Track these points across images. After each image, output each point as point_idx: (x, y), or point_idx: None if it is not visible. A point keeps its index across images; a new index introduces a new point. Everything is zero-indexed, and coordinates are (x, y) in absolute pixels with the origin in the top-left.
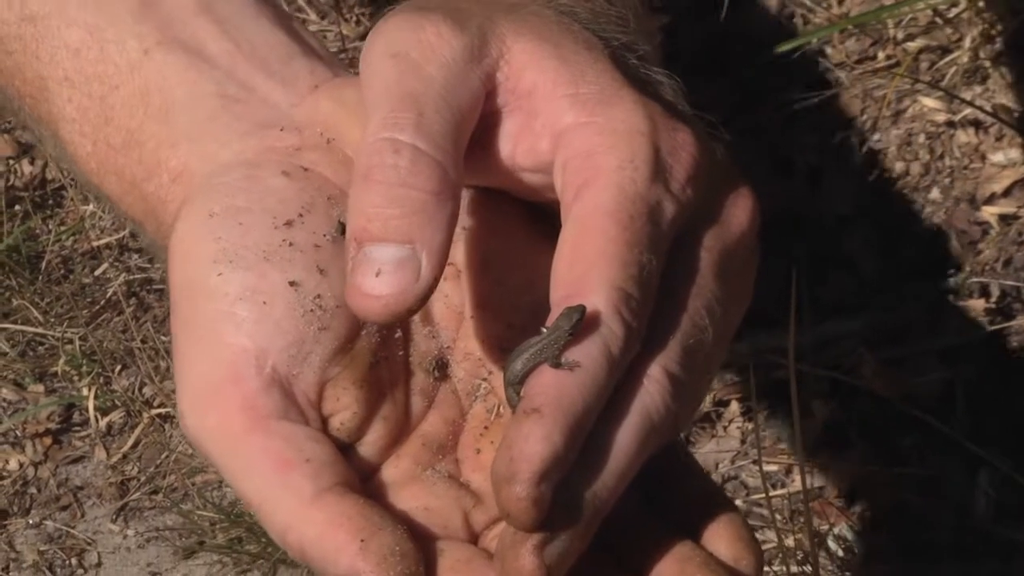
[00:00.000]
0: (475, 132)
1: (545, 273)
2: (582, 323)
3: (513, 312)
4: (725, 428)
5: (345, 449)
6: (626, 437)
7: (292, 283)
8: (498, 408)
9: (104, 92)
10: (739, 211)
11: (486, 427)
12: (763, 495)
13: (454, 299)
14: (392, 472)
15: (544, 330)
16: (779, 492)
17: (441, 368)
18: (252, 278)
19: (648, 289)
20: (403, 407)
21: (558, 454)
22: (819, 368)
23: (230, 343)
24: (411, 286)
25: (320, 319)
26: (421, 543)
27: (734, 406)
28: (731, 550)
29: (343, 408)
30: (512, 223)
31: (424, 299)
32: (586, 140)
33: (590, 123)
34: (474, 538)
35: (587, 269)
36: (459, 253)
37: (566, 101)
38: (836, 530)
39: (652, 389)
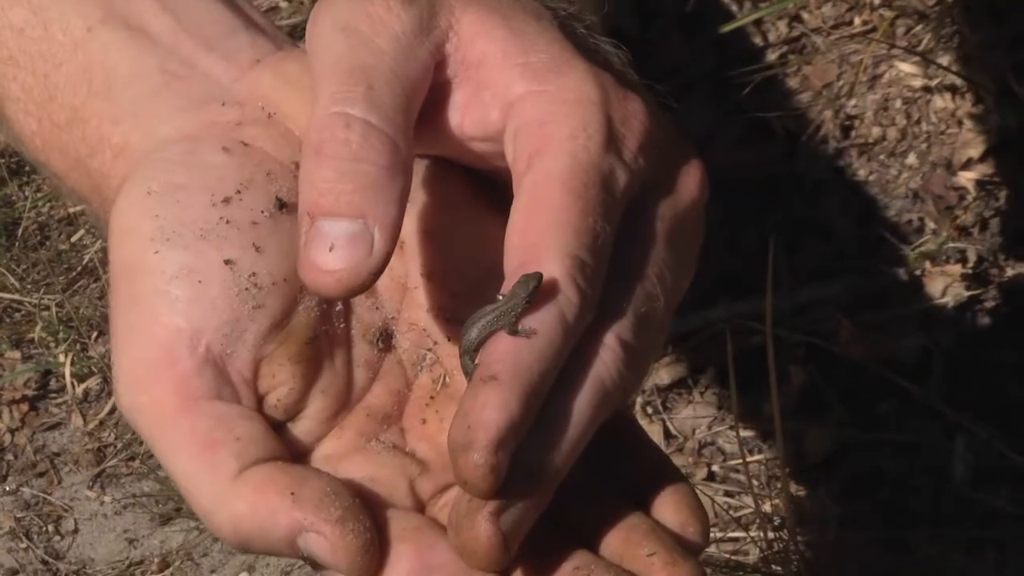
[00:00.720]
0: (424, 103)
1: (490, 243)
2: (539, 290)
3: (458, 281)
4: (701, 394)
5: (283, 425)
6: (581, 404)
7: (228, 261)
8: (444, 378)
9: (48, 70)
10: (689, 180)
11: (432, 397)
12: (740, 461)
13: (397, 270)
14: (334, 444)
15: (500, 297)
16: (756, 458)
17: (385, 339)
18: (188, 256)
19: (602, 257)
20: (345, 380)
21: (515, 421)
22: (796, 333)
23: (165, 323)
24: (364, 261)
25: (255, 297)
26: (366, 511)
27: (711, 372)
28: (677, 517)
29: (279, 384)
30: (455, 193)
31: (377, 274)
32: (537, 109)
33: (541, 92)
34: (421, 507)
35: (541, 237)
36: (403, 225)
37: (516, 70)
38: (813, 495)
39: (606, 357)
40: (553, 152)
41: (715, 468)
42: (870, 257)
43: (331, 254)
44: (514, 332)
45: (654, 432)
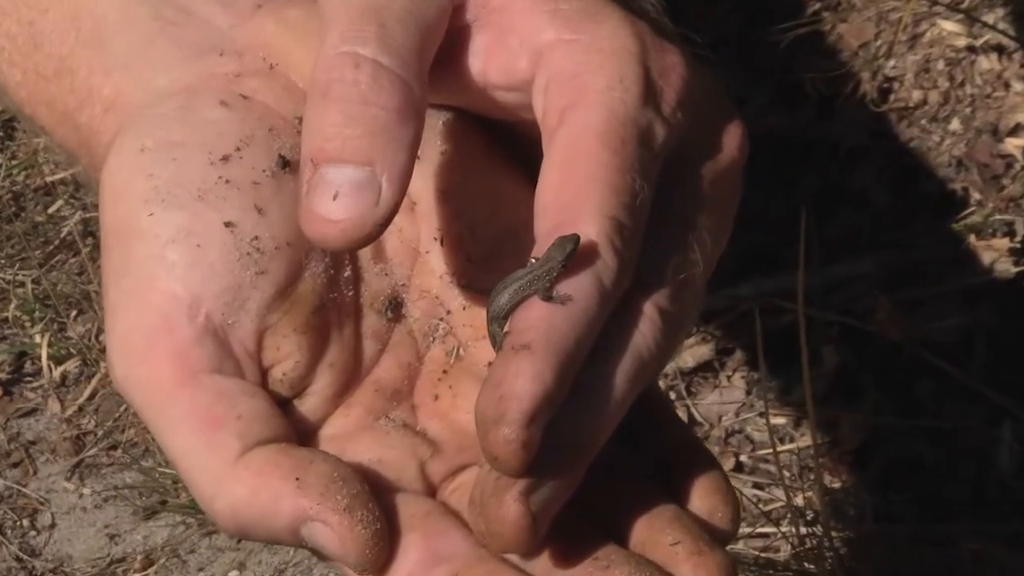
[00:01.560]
0: (442, 48)
1: (508, 203)
2: (575, 254)
3: (473, 245)
4: (729, 378)
5: (288, 402)
6: (617, 376)
7: (228, 224)
8: (457, 350)
9: (33, 17)
10: (729, 139)
11: (444, 371)
12: (770, 450)
13: (408, 233)
14: (342, 423)
15: (532, 260)
16: (787, 447)
17: (395, 308)
18: (185, 218)
19: (640, 218)
20: (353, 352)
21: (549, 393)
22: (829, 312)
23: (161, 289)
24: (371, 211)
25: (258, 262)
26: (375, 498)
27: (738, 355)
28: (706, 503)
29: (285, 357)
30: (471, 149)
31: (384, 225)
32: (570, 59)
33: (574, 41)
34: (431, 490)
35: (576, 196)
36: (414, 183)
37: (545, 16)
38: (847, 487)
39: (644, 327)
40: (588, 105)
41: (743, 458)
42: (909, 230)
43: (335, 203)
44: (548, 298)
45: None
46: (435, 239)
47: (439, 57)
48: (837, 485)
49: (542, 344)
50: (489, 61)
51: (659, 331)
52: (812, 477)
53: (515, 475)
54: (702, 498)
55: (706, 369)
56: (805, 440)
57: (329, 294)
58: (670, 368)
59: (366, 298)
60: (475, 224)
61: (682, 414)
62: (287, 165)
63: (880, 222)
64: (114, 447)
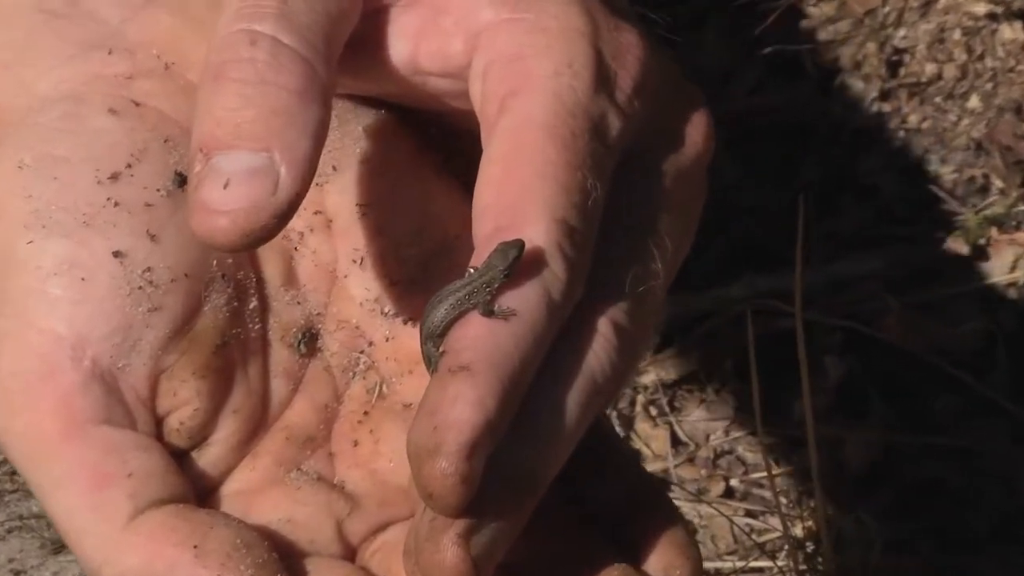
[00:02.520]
0: (363, 29)
1: (438, 214)
2: (519, 262)
3: (399, 266)
4: (717, 392)
5: (186, 454)
6: (568, 402)
7: (117, 253)
8: (380, 387)
9: None
10: (693, 129)
11: (365, 412)
12: (764, 473)
13: (324, 255)
14: (247, 476)
15: (471, 271)
16: (784, 469)
17: (309, 342)
18: (69, 247)
19: (593, 221)
20: (261, 394)
21: (491, 421)
22: (832, 316)
23: (42, 328)
24: (267, 199)
25: (151, 297)
26: (285, 564)
27: (728, 364)
28: (663, 558)
29: (182, 404)
30: (396, 158)
31: (283, 218)
32: (512, 40)
33: (517, 20)
34: (350, 553)
35: (521, 196)
36: (330, 197)
37: None
38: (853, 514)
39: (597, 346)
40: (533, 92)
41: (734, 482)
42: (922, 223)
43: (225, 191)
44: (489, 313)
45: (659, 438)
46: (355, 261)
47: (360, 40)
48: (841, 512)
49: (483, 365)
50: (419, 44)
51: (614, 350)
52: (812, 504)
53: (453, 514)
54: (658, 555)
55: (691, 381)
56: (804, 461)
57: (232, 329)
58: (649, 379)
59: (275, 331)
60: (401, 242)
61: (664, 433)
62: (184, 183)
63: (889, 214)
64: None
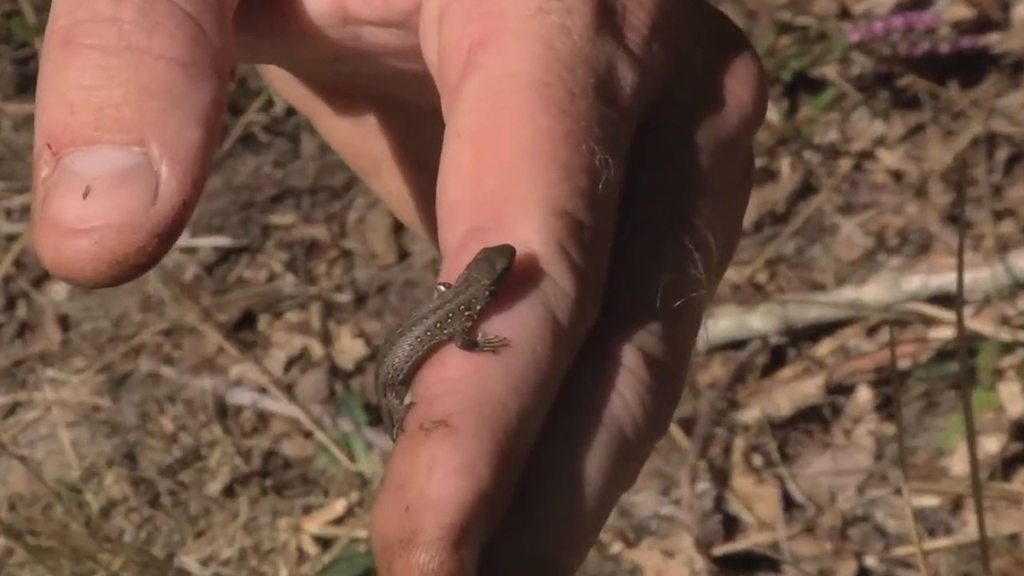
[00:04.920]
0: None
1: None
2: (509, 274)
3: None
4: (847, 433)
5: None
6: (587, 466)
7: None
8: None
9: None
10: (736, 84)
11: None
12: (912, 548)
13: None
14: None
15: (441, 289)
16: (940, 543)
17: None
18: None
19: (605, 212)
20: None
21: (485, 494)
22: (1010, 328)
23: None
24: (142, 211)
25: None
26: None
27: (863, 394)
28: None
29: None
30: None
31: (166, 236)
32: None
33: None
34: None
35: (505, 184)
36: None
37: None
38: None
39: (623, 384)
40: (511, 39)
41: (870, 561)
42: None
43: (86, 203)
44: (471, 345)
45: (765, 498)
46: None
47: None
48: None
49: (468, 418)
50: None
51: (646, 390)
52: None
53: None
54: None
55: (811, 419)
56: (969, 531)
57: None
58: (753, 417)
59: None
60: None
61: (773, 491)
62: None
63: None
64: None
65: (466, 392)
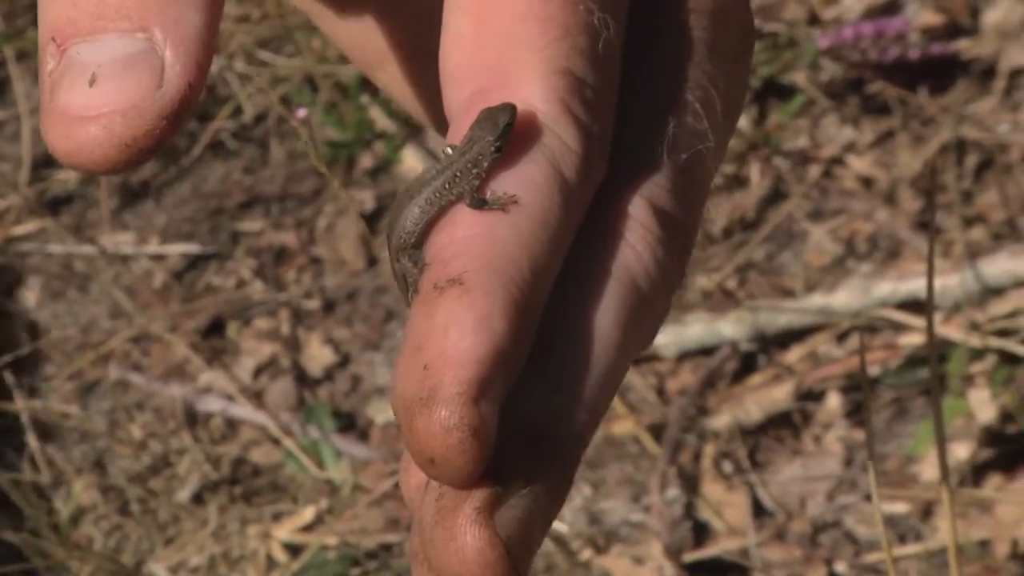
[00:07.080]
0: None
1: None
2: (512, 130)
3: None
4: (817, 439)
5: None
6: (601, 320)
7: None
8: None
9: None
10: None
11: None
12: (882, 554)
13: None
14: None
15: (448, 152)
16: (910, 549)
17: None
18: None
19: (607, 69)
20: None
21: (501, 348)
22: (980, 334)
23: None
24: (149, 95)
25: None
26: None
27: (833, 400)
28: None
29: None
30: None
31: (174, 118)
32: None
33: None
34: None
35: (507, 46)
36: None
37: None
38: None
39: (635, 238)
40: None
41: (839, 568)
42: None
43: (92, 90)
44: (480, 204)
45: (735, 505)
46: None
47: None
48: None
49: (482, 275)
50: None
51: (658, 242)
52: None
53: (466, 482)
54: None
55: (781, 425)
56: (940, 537)
57: None
58: (723, 423)
59: None
60: None
61: (743, 498)
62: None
63: None
64: None
65: (478, 249)
